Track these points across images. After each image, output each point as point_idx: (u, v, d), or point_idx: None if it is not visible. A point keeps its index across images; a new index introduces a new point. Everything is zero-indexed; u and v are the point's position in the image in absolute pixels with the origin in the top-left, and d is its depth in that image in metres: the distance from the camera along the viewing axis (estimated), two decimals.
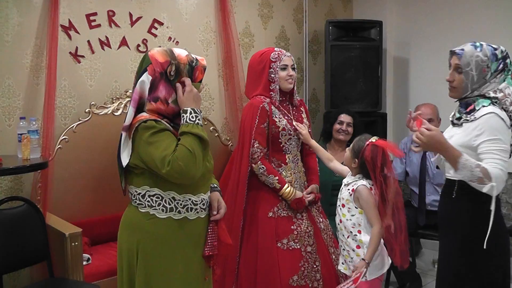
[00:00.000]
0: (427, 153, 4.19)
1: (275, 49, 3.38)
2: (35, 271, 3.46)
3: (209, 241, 2.41)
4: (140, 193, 2.32)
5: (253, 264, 3.22)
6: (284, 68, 3.30)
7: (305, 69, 5.10)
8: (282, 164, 3.32)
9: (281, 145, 3.31)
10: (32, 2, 3.57)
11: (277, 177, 3.23)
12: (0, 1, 3.44)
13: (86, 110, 3.75)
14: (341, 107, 4.59)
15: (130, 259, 2.34)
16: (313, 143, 3.39)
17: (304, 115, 3.48)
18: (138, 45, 4.06)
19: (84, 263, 3.29)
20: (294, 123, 3.34)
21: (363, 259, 2.74)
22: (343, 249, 2.91)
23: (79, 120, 3.71)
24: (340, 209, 2.91)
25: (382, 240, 2.83)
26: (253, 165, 3.24)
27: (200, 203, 2.37)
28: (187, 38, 4.37)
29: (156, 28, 4.17)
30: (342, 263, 2.93)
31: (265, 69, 3.30)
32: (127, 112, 2.34)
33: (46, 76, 3.55)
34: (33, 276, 3.50)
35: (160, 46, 4.09)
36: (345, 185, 2.94)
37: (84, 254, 3.32)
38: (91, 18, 3.82)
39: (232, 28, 4.49)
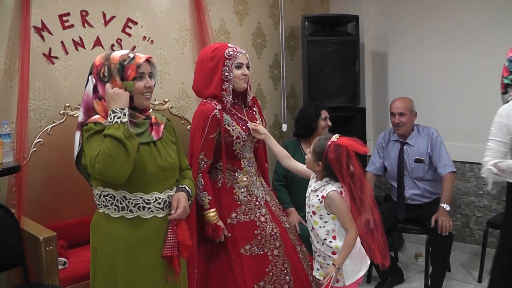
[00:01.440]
0: (404, 147, 4.21)
1: (229, 45, 3.17)
2: (12, 276, 3.42)
3: (168, 241, 2.42)
4: (98, 193, 2.42)
5: (211, 272, 3.12)
6: (239, 66, 3.10)
7: (282, 65, 5.08)
8: (237, 170, 3.19)
9: (235, 152, 3.18)
10: (3, 3, 3.52)
11: (210, 197, 3.07)
12: None
13: (61, 112, 3.71)
14: (319, 102, 4.58)
15: (93, 260, 2.43)
16: (272, 141, 3.27)
17: (257, 115, 3.33)
18: (113, 45, 4.02)
19: (61, 267, 3.25)
20: (249, 124, 3.19)
21: (333, 264, 2.69)
22: (318, 255, 2.83)
23: (54, 122, 3.67)
24: (311, 216, 2.82)
25: (358, 243, 2.78)
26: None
27: (154, 202, 2.39)
28: (162, 37, 4.34)
29: (130, 28, 4.13)
30: (317, 269, 2.86)
31: (219, 66, 3.08)
32: None
33: (18, 78, 3.50)
34: (10, 280, 3.46)
35: (134, 46, 4.14)
36: (312, 191, 2.83)
37: (60, 258, 3.29)
38: (64, 18, 3.78)
39: (207, 26, 4.45)
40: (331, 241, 2.74)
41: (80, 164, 2.46)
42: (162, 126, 2.57)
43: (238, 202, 3.16)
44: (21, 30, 3.53)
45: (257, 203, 3.21)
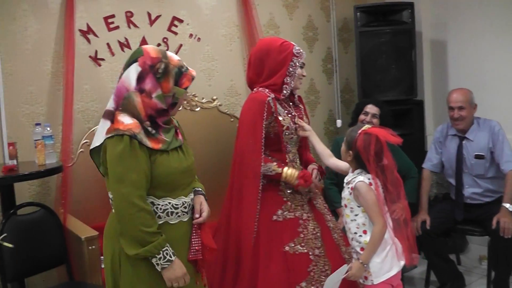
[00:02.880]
0: (463, 142, 3.97)
1: (294, 44, 3.12)
2: (61, 273, 3.51)
3: (192, 245, 2.36)
4: None
5: (257, 269, 3.00)
6: (302, 66, 3.12)
7: (334, 59, 4.94)
8: (283, 164, 3.08)
9: (283, 144, 3.10)
10: (49, 9, 3.62)
11: (275, 163, 3.02)
12: (18, 9, 3.51)
13: None
14: (372, 96, 4.43)
15: (114, 269, 2.31)
16: (316, 139, 3.18)
17: (303, 112, 3.27)
18: (159, 44, 4.04)
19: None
20: (296, 120, 3.14)
21: (358, 259, 2.59)
22: (353, 252, 2.74)
23: None
24: (344, 209, 2.75)
25: (390, 240, 2.65)
26: None
27: (181, 207, 2.33)
28: (209, 34, 4.32)
29: (176, 26, 4.14)
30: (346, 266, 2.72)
31: (287, 61, 3.05)
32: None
33: (64, 81, 3.59)
34: (60, 277, 3.55)
35: (181, 44, 4.13)
36: (346, 183, 2.76)
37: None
38: (109, 20, 3.84)
39: (255, 21, 4.39)
40: (361, 235, 2.65)
41: (96, 157, 2.35)
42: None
43: (284, 199, 3.08)
44: (66, 34, 3.61)
45: (301, 200, 3.12)
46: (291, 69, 3.07)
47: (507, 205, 3.69)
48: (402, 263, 2.70)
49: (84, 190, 3.60)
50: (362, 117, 3.93)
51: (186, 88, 2.34)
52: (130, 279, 2.28)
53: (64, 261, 3.22)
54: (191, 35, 4.21)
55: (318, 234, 3.06)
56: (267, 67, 3.12)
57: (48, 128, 3.38)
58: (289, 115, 3.12)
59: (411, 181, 3.98)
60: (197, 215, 2.39)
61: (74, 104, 3.66)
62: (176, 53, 4.07)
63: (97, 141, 2.27)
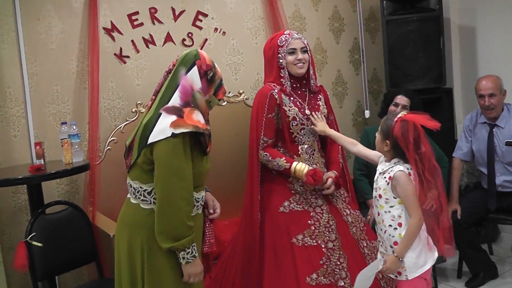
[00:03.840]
0: (494, 129, 3.88)
1: (285, 32, 3.16)
2: (91, 271, 3.54)
3: (207, 238, 2.49)
4: (146, 189, 2.34)
5: (265, 261, 3.02)
6: (292, 52, 3.08)
7: (361, 49, 4.87)
8: (295, 156, 3.09)
9: (293, 135, 3.10)
10: (73, 8, 3.65)
11: (283, 158, 3.03)
12: (42, 10, 3.54)
13: (133, 110, 3.78)
14: (400, 86, 4.35)
15: (132, 258, 2.36)
16: (332, 132, 3.14)
17: (321, 102, 3.22)
18: (184, 40, 4.04)
19: None
20: (307, 111, 3.11)
21: (393, 253, 2.52)
22: (381, 245, 2.66)
23: (127, 120, 3.75)
24: (378, 200, 2.64)
25: (425, 233, 2.58)
26: None
27: (200, 200, 2.44)
28: (234, 27, 4.29)
29: (201, 20, 4.12)
30: (382, 260, 2.65)
31: (275, 55, 3.11)
32: (171, 96, 2.34)
33: (89, 79, 3.62)
34: (90, 275, 3.59)
35: (206, 39, 4.12)
36: (380, 173, 2.65)
37: None
38: (133, 17, 3.84)
39: (280, 13, 4.35)
40: (396, 228, 2.55)
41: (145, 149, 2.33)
42: None
43: (292, 191, 3.08)
44: (90, 32, 3.63)
45: (314, 192, 3.08)
46: (280, 60, 3.09)
47: None
48: (436, 256, 2.63)
49: (112, 188, 3.62)
50: (392, 108, 3.86)
51: (220, 100, 2.53)
52: (156, 269, 2.32)
53: (94, 258, 3.25)
54: (216, 29, 4.19)
55: (333, 227, 3.03)
56: (265, 65, 3.24)
57: (74, 127, 3.41)
58: (298, 105, 3.11)
59: (442, 171, 3.90)
60: (211, 211, 2.55)
61: (100, 102, 3.70)
62: (201, 48, 4.08)
63: (162, 134, 2.25)
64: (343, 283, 2.90)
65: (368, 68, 4.99)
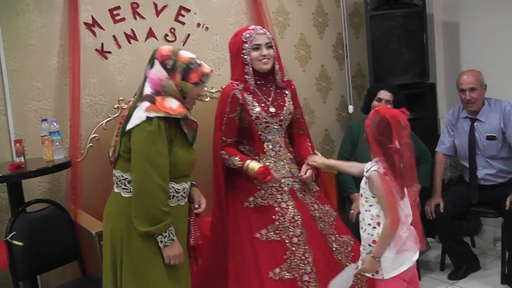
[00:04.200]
0: (475, 124, 3.90)
1: (250, 27, 3.12)
2: (72, 270, 3.51)
3: (192, 231, 2.58)
4: (127, 178, 2.44)
5: (229, 255, 3.05)
6: (256, 48, 3.04)
7: (345, 44, 4.86)
8: (261, 154, 3.09)
9: (258, 133, 3.10)
10: (53, 2, 3.59)
11: (237, 156, 3.04)
12: (22, 4, 3.47)
13: (115, 106, 3.74)
14: (384, 81, 4.35)
15: (113, 247, 2.45)
16: (332, 162, 3.17)
17: (287, 98, 3.19)
18: (166, 35, 4.00)
19: None
20: (272, 109, 3.10)
21: (370, 253, 2.51)
22: (362, 244, 2.66)
23: (109, 117, 3.71)
24: (360, 198, 2.65)
25: (403, 234, 2.55)
26: None
27: (181, 191, 2.51)
28: (217, 22, 4.27)
29: (184, 16, 4.09)
30: (361, 259, 2.66)
31: (239, 51, 3.07)
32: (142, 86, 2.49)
33: (70, 75, 3.57)
34: (73, 273, 3.55)
35: (189, 34, 4.09)
36: (365, 171, 2.65)
37: None
38: (115, 12, 3.80)
39: (264, 8, 4.34)
40: (374, 227, 2.55)
41: (124, 137, 2.43)
42: None
43: (258, 187, 3.08)
44: (71, 27, 3.58)
45: (280, 188, 3.09)
46: (245, 56, 3.06)
47: None
48: (415, 258, 2.62)
49: (95, 185, 3.58)
50: (375, 103, 3.84)
51: (196, 84, 2.49)
52: (137, 255, 2.41)
53: (77, 257, 3.21)
54: (198, 25, 4.16)
55: (298, 222, 3.02)
56: (231, 62, 3.22)
57: (55, 124, 3.36)
58: (262, 104, 3.09)
59: (425, 165, 3.94)
60: (196, 206, 2.62)
61: (82, 99, 3.65)
62: (184, 44, 4.06)
63: (138, 120, 2.36)
64: (307, 278, 2.90)
65: (352, 63, 5.00)
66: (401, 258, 2.55)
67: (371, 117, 2.53)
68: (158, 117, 2.34)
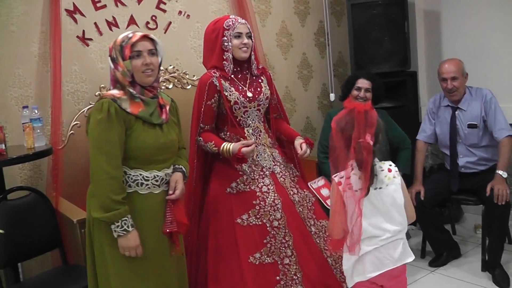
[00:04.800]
0: (456, 112, 3.93)
1: (230, 16, 3.18)
2: (53, 258, 3.50)
3: (167, 219, 2.55)
4: None
5: (209, 242, 3.10)
6: (238, 36, 3.10)
7: (327, 32, 4.87)
8: (241, 138, 3.13)
9: (238, 119, 3.15)
10: None
11: (212, 141, 3.08)
12: None
13: (97, 93, 3.72)
14: (365, 69, 4.37)
15: (89, 229, 2.53)
16: None
17: (263, 84, 3.25)
18: (147, 23, 3.98)
19: None
20: (249, 94, 3.15)
21: None
22: None
23: (90, 104, 3.69)
24: None
25: (368, 247, 2.39)
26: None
27: (152, 179, 2.50)
28: (199, 10, 4.26)
29: (165, 3, 4.08)
30: None
31: (218, 37, 3.12)
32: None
33: (51, 62, 3.54)
34: (54, 261, 3.54)
35: (170, 22, 4.07)
36: None
37: None
38: None
39: None
40: None
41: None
42: (168, 107, 2.66)
43: (240, 172, 3.13)
44: (52, 14, 3.54)
45: (261, 173, 3.15)
46: (225, 43, 3.11)
47: (501, 172, 3.68)
48: (369, 275, 2.41)
49: (76, 173, 3.56)
50: (355, 92, 3.86)
51: (131, 58, 2.46)
52: (100, 239, 2.48)
53: (58, 245, 3.20)
54: (180, 12, 4.15)
55: (278, 206, 3.08)
56: (207, 48, 3.24)
57: (36, 111, 3.33)
58: (240, 89, 3.15)
59: (404, 152, 3.97)
60: (170, 192, 2.57)
61: (63, 86, 3.62)
62: (165, 31, 4.06)
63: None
64: (288, 261, 2.99)
65: (334, 51, 5.02)
66: (362, 265, 2.43)
67: (340, 113, 2.40)
68: (109, 104, 2.38)
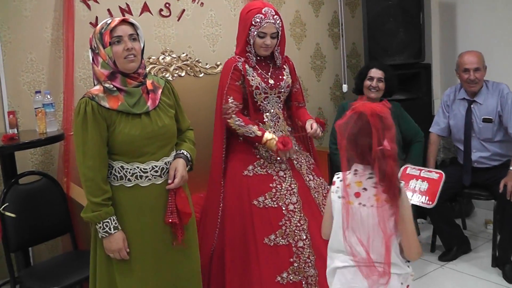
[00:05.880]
0: (472, 105, 3.89)
1: (263, 10, 3.10)
2: (63, 243, 3.52)
3: (168, 209, 2.45)
4: None
5: (226, 224, 3.13)
6: (262, 36, 3.10)
7: (341, 23, 4.83)
8: (260, 123, 3.17)
9: (258, 104, 3.19)
10: None
11: (256, 126, 3.09)
12: None
13: None
14: (379, 60, 4.34)
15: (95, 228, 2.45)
16: None
17: (285, 72, 3.28)
18: (161, 10, 3.97)
19: None
20: (271, 81, 3.18)
21: None
22: None
23: None
24: None
25: (338, 257, 2.12)
26: (228, 120, 3.10)
27: (151, 171, 2.41)
28: None
29: None
30: None
31: (245, 29, 3.15)
32: None
33: (63, 48, 3.54)
34: (65, 247, 3.56)
35: (184, 10, 4.06)
36: None
37: None
38: None
39: None
40: None
41: None
42: (160, 91, 2.51)
43: (257, 156, 3.18)
44: (65, 0, 3.53)
45: (278, 158, 3.17)
46: (250, 37, 3.13)
47: None
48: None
49: None
50: (367, 83, 3.85)
51: (111, 44, 2.33)
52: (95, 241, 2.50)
53: (68, 230, 3.22)
54: (194, 0, 4.12)
55: (295, 190, 3.13)
56: (238, 33, 3.27)
57: (49, 96, 3.34)
58: (261, 76, 3.18)
59: (417, 146, 3.96)
60: (169, 181, 2.45)
61: (76, 72, 3.63)
62: (179, 19, 4.04)
63: None
64: (302, 244, 3.02)
65: (347, 42, 4.98)
66: (330, 280, 2.20)
67: (347, 116, 2.05)
68: (86, 103, 2.30)
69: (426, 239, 4.28)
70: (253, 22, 3.09)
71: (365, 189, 2.02)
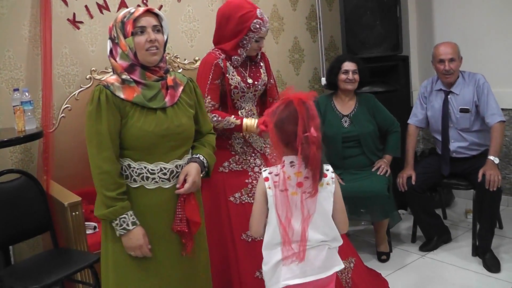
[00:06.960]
0: (449, 96, 3.94)
1: (258, 15, 3.03)
2: (44, 241, 3.50)
3: (177, 216, 2.30)
4: None
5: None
6: (259, 40, 3.11)
7: (318, 17, 4.85)
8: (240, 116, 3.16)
9: (234, 101, 3.17)
10: None
11: (232, 116, 3.06)
12: None
13: (87, 77, 3.70)
14: (357, 54, 4.37)
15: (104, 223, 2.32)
16: None
17: (262, 70, 3.27)
18: (138, 5, 3.90)
19: (91, 231, 3.31)
20: (249, 80, 3.15)
21: None
22: None
23: (81, 87, 3.68)
24: None
25: (279, 251, 2.18)
26: None
27: (158, 172, 2.25)
28: None
29: None
30: None
31: (241, 33, 3.05)
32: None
33: (41, 45, 3.51)
34: (45, 245, 3.54)
35: (161, 5, 4.05)
36: None
37: (90, 223, 3.35)
38: None
39: None
40: None
41: None
42: (181, 88, 2.37)
43: (232, 152, 3.18)
44: None
45: (253, 154, 3.20)
46: (244, 42, 3.08)
47: (493, 158, 3.69)
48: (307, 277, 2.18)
49: (67, 156, 3.57)
50: (342, 76, 3.89)
51: (133, 34, 2.20)
52: (106, 232, 2.31)
53: (49, 228, 3.18)
54: None
55: None
56: (226, 32, 3.14)
57: (27, 93, 3.31)
58: (240, 75, 3.15)
59: (394, 135, 3.99)
60: (178, 186, 2.30)
61: (54, 69, 3.60)
62: None
63: None
64: None
65: (325, 36, 4.99)
66: (275, 276, 2.21)
67: (275, 105, 2.19)
68: (100, 91, 2.17)
69: (406, 229, 4.33)
70: (252, 28, 3.03)
71: (307, 177, 2.11)
